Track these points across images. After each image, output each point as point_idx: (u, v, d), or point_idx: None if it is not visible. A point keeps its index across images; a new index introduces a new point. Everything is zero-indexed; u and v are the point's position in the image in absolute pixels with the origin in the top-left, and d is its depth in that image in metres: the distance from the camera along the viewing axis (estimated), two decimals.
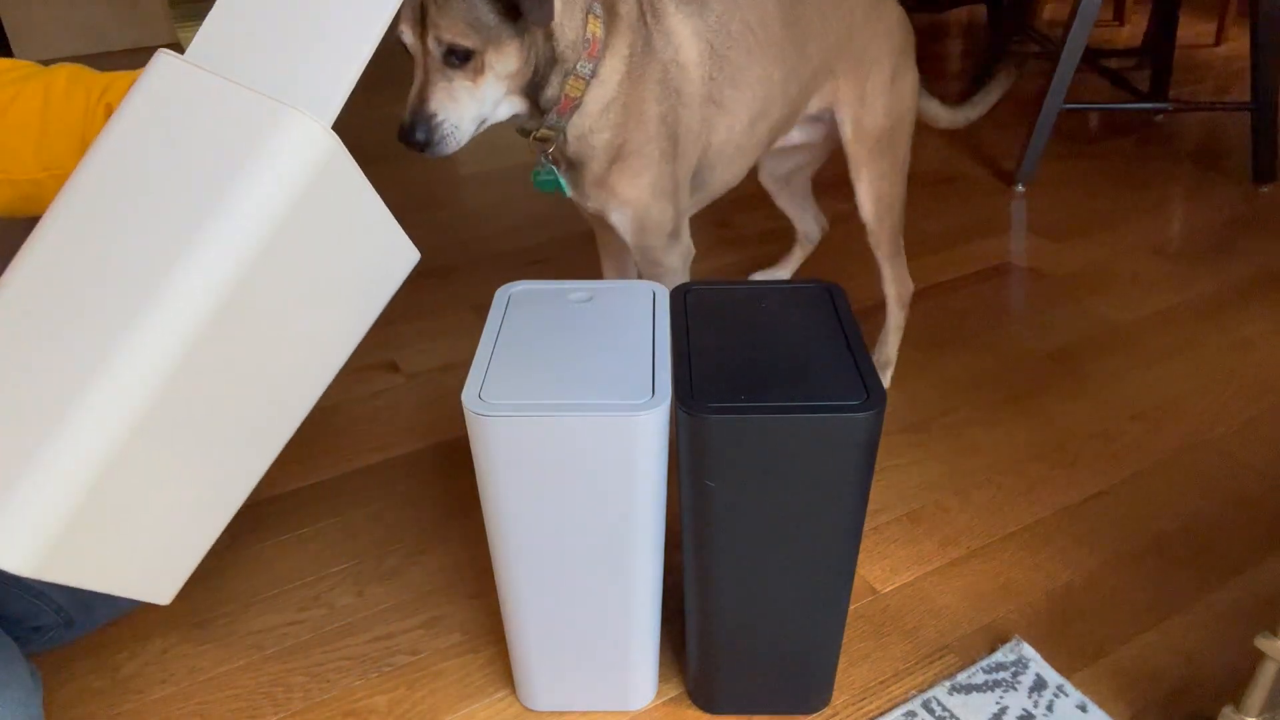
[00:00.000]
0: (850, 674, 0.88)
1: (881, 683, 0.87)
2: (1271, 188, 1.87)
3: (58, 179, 0.69)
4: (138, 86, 0.57)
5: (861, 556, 1.01)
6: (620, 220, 1.01)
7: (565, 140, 0.95)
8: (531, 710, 0.85)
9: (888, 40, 1.14)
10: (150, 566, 0.63)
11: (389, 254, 0.69)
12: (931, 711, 0.83)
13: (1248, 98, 1.84)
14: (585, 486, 0.69)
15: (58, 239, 0.55)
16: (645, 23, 0.95)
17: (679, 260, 1.05)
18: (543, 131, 0.94)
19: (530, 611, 0.77)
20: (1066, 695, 0.84)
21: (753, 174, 1.42)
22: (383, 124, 0.86)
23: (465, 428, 0.69)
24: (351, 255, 0.65)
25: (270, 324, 0.61)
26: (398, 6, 0.62)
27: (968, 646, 0.91)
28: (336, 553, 1.04)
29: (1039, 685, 0.85)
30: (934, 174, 1.99)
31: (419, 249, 0.72)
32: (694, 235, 1.07)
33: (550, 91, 0.91)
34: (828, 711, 0.85)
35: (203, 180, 0.55)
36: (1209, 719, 0.80)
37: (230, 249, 0.55)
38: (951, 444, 1.18)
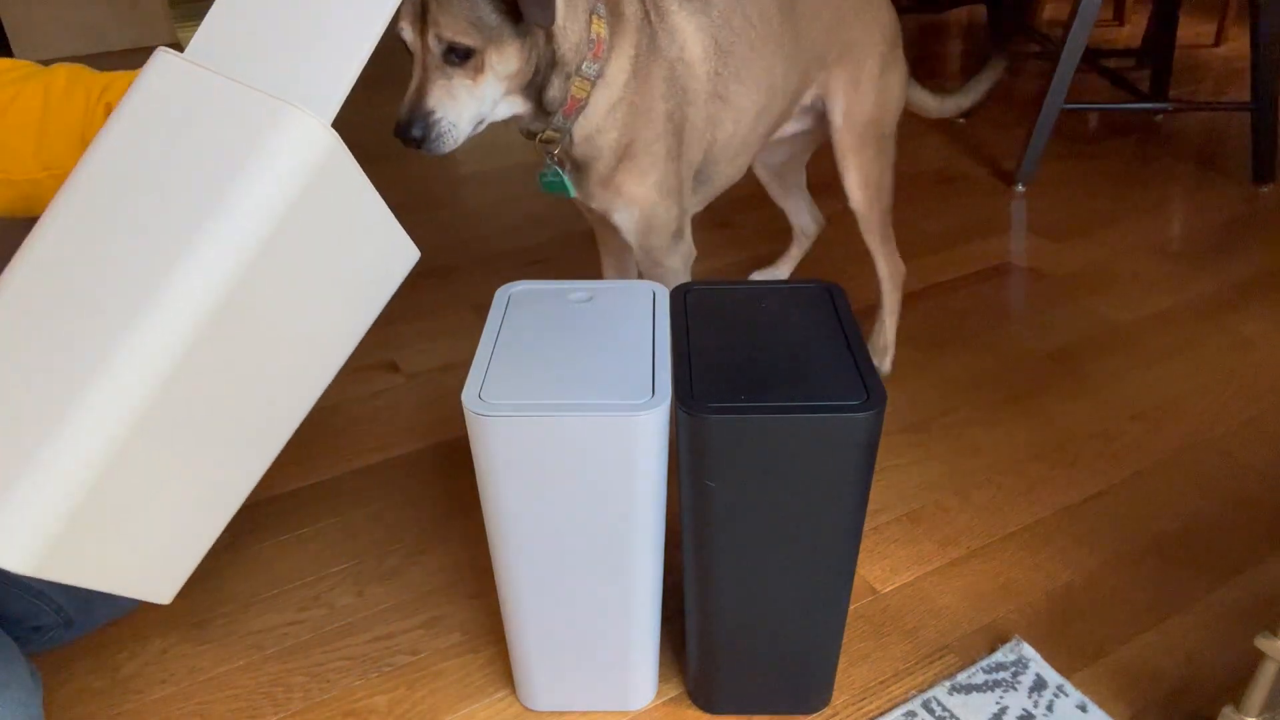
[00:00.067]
0: (850, 674, 0.88)
1: (881, 683, 0.87)
2: (1271, 188, 1.87)
3: (57, 179, 0.69)
4: (137, 85, 0.57)
5: (861, 556, 1.01)
6: (625, 220, 1.00)
7: (571, 141, 0.95)
8: (531, 710, 0.85)
9: (878, 30, 1.16)
10: (151, 566, 0.63)
11: (389, 252, 0.69)
12: (931, 711, 0.83)
13: (1248, 98, 1.84)
14: (585, 486, 0.69)
15: (57, 238, 0.55)
16: (649, 21, 0.95)
17: (681, 262, 1.05)
18: (548, 134, 0.94)
19: (530, 611, 0.77)
20: (1066, 695, 0.84)
21: (752, 174, 1.43)
22: (383, 123, 0.86)
23: (465, 428, 0.69)
24: (352, 253, 0.65)
25: (270, 323, 0.61)
26: (398, 3, 0.62)
27: (968, 646, 0.91)
28: (336, 553, 1.04)
29: (1039, 685, 0.85)
30: (934, 174, 1.99)
31: (419, 248, 0.72)
32: (694, 235, 1.08)
33: (553, 92, 0.91)
34: (828, 711, 0.85)
35: (202, 178, 0.55)
36: (1209, 719, 0.80)
37: (230, 247, 0.55)
38: (951, 444, 1.18)
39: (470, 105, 0.87)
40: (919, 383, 1.31)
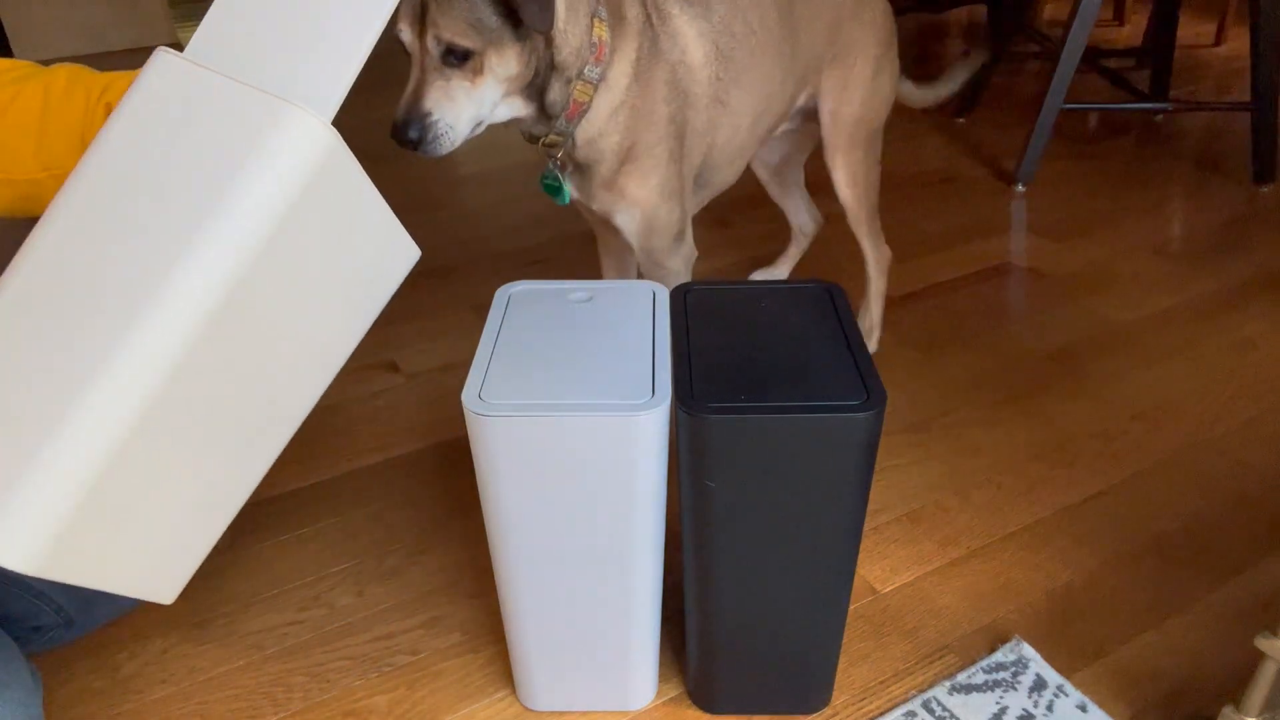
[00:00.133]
0: (850, 674, 0.88)
1: (881, 683, 0.87)
2: (1271, 188, 1.87)
3: (57, 179, 0.68)
4: (137, 85, 0.57)
5: (861, 556, 1.01)
6: (628, 222, 1.00)
7: (574, 145, 0.95)
8: (531, 710, 0.85)
9: (873, 33, 1.16)
10: (153, 565, 0.63)
11: (390, 251, 0.69)
12: (931, 711, 0.83)
13: (1248, 98, 1.84)
14: (585, 486, 0.69)
15: (58, 238, 0.55)
16: (651, 25, 0.95)
17: (682, 262, 1.05)
18: (551, 137, 0.94)
19: (530, 611, 0.77)
20: (1066, 695, 0.84)
21: (752, 175, 1.43)
22: (382, 123, 0.86)
23: (465, 428, 0.70)
24: (352, 252, 0.65)
25: (271, 322, 0.61)
26: (397, 2, 0.62)
27: (968, 646, 0.91)
28: (336, 553, 1.04)
29: (1039, 685, 0.85)
30: (934, 174, 1.99)
31: (419, 248, 0.72)
32: (694, 235, 1.08)
33: (553, 96, 0.91)
34: (828, 711, 0.85)
35: (203, 177, 0.55)
36: (1209, 719, 0.80)
37: (231, 247, 0.55)
38: (951, 444, 1.18)
39: (468, 107, 0.87)
40: (919, 383, 1.31)
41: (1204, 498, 1.08)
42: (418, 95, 0.85)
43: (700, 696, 0.85)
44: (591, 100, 0.92)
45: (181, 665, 0.91)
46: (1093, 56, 2.34)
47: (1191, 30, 2.88)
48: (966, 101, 2.29)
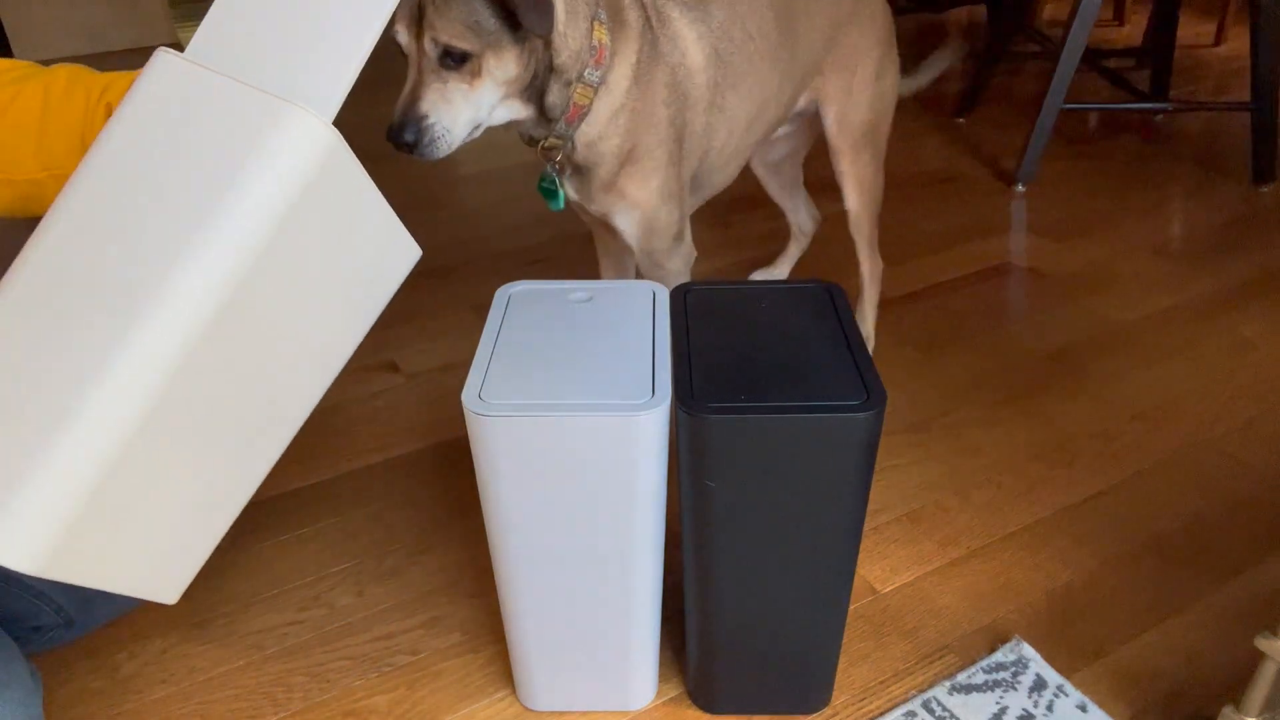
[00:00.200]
0: (850, 674, 0.88)
1: (881, 683, 0.87)
2: (1271, 188, 1.87)
3: (58, 179, 0.68)
4: (138, 85, 0.57)
5: (861, 556, 1.01)
6: (627, 224, 1.00)
7: (573, 147, 0.95)
8: (531, 710, 0.85)
9: (873, 35, 1.16)
10: (156, 565, 0.63)
11: (390, 251, 0.69)
12: (931, 711, 0.83)
13: (1248, 98, 1.84)
14: (585, 486, 0.69)
15: (60, 239, 0.55)
16: (650, 27, 0.95)
17: (682, 263, 1.05)
18: (551, 140, 0.94)
19: (530, 611, 0.77)
20: (1066, 695, 0.84)
21: (751, 176, 1.43)
22: (382, 123, 0.86)
23: (465, 428, 0.70)
24: (353, 252, 0.65)
25: (272, 321, 0.61)
26: (398, 2, 0.61)
27: (968, 646, 0.91)
28: (336, 553, 1.04)
29: (1039, 685, 0.85)
30: (934, 174, 1.99)
31: (419, 248, 0.72)
32: (694, 236, 1.08)
33: (553, 98, 0.90)
34: (828, 711, 0.85)
35: (204, 177, 0.55)
36: (1209, 719, 0.80)
37: (232, 246, 0.55)
38: (951, 444, 1.18)
39: (465, 110, 0.86)
40: (919, 383, 1.31)
41: (1204, 498, 1.08)
42: (414, 98, 0.85)
43: (700, 696, 0.85)
44: (592, 103, 0.92)
45: (181, 665, 0.91)
46: (1093, 56, 2.34)
47: (1191, 30, 2.88)
48: (966, 101, 2.29)
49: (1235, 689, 0.74)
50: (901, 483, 1.12)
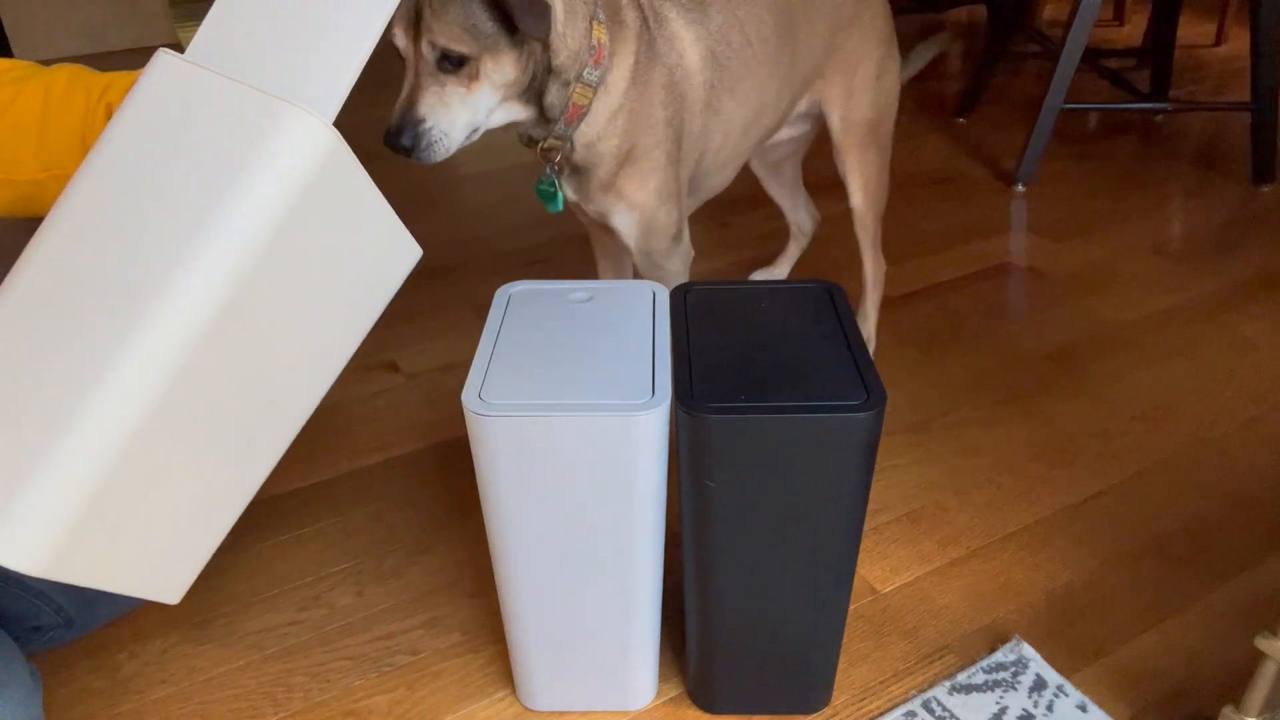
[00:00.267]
0: (850, 674, 0.88)
1: (881, 683, 0.87)
2: (1271, 188, 1.87)
3: (58, 179, 0.68)
4: (138, 86, 0.57)
5: (861, 556, 1.01)
6: (626, 224, 1.00)
7: (572, 148, 0.95)
8: (531, 710, 0.85)
9: (874, 35, 1.16)
10: (158, 566, 0.63)
11: (391, 250, 0.69)
12: (931, 711, 0.83)
13: (1248, 98, 1.84)
14: (585, 486, 0.69)
15: (61, 241, 0.55)
16: (648, 28, 0.95)
17: (681, 264, 1.05)
18: (550, 141, 0.94)
19: (530, 611, 0.77)
20: (1066, 695, 0.84)
21: (752, 176, 1.43)
22: (382, 124, 0.86)
23: (465, 428, 0.69)
24: (354, 252, 0.65)
25: (273, 322, 0.61)
26: (398, 2, 0.61)
27: (968, 646, 0.91)
28: (336, 553, 1.04)
29: (1039, 685, 0.85)
30: (934, 174, 1.99)
31: (420, 248, 0.72)
32: (693, 236, 1.08)
33: (552, 99, 0.90)
34: (828, 711, 0.85)
35: (204, 178, 0.55)
36: (1209, 719, 0.80)
37: (233, 247, 0.55)
38: (951, 444, 1.18)
39: (463, 114, 0.86)
40: (919, 383, 1.31)
41: (1204, 498, 1.08)
42: (412, 101, 0.84)
43: (700, 696, 0.85)
44: (591, 103, 0.92)
45: (181, 665, 0.91)
46: (1093, 56, 2.34)
47: (1191, 30, 2.88)
48: (966, 101, 2.29)
49: (1235, 689, 0.74)
50: (901, 483, 1.12)
